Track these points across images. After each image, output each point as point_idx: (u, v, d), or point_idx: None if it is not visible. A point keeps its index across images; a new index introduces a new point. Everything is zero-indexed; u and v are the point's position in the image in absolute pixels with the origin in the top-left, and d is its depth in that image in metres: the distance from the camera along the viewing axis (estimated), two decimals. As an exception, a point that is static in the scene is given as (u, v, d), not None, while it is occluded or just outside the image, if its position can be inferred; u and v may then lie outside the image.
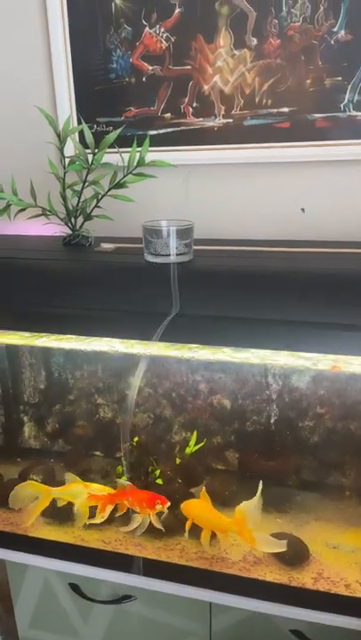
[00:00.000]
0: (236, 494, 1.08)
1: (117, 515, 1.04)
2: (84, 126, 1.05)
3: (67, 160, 1.07)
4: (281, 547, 0.91)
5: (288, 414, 1.14)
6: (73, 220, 1.13)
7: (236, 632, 1.06)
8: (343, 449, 1.13)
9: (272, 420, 1.16)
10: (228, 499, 1.08)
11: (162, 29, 1.13)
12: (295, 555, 0.99)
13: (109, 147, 1.06)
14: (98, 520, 1.02)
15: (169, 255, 0.94)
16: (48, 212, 1.11)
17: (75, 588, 1.13)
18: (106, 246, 1.10)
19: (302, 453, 1.16)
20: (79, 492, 1.03)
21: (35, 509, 1.05)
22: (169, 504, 0.99)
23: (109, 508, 1.03)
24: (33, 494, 1.04)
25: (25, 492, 1.04)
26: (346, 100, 1.08)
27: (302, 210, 1.17)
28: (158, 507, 0.99)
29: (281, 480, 1.14)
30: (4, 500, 1.18)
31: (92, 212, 1.11)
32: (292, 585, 0.95)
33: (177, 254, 0.94)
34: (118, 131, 1.05)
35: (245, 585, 0.96)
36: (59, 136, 1.06)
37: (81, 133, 1.08)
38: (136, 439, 1.15)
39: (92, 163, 1.04)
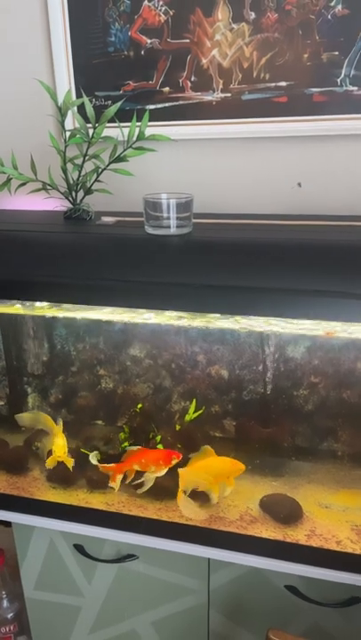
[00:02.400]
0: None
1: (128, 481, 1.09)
2: (85, 99, 1.06)
3: (67, 133, 1.09)
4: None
5: (284, 382, 1.19)
6: (73, 194, 1.14)
7: (234, 588, 1.12)
8: (336, 415, 1.18)
9: (268, 389, 1.21)
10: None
11: (160, 3, 1.14)
12: (290, 513, 1.05)
13: (109, 121, 1.08)
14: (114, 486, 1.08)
15: (169, 227, 0.97)
16: (48, 187, 1.13)
17: (79, 548, 1.18)
18: (106, 220, 1.12)
19: (297, 420, 1.20)
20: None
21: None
22: (180, 458, 1.05)
23: (120, 478, 1.08)
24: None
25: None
26: (343, 75, 1.10)
27: (299, 184, 1.20)
28: (175, 461, 1.04)
29: (276, 445, 1.18)
30: (11, 465, 1.24)
31: (92, 185, 1.12)
32: (286, 541, 1.01)
33: (177, 227, 0.97)
34: (119, 104, 1.06)
35: (242, 542, 1.02)
36: (60, 109, 1.07)
37: (81, 106, 1.09)
38: (140, 406, 1.20)
39: (92, 136, 1.06)
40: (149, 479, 1.07)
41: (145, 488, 1.08)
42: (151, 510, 1.10)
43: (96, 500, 1.13)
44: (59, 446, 1.12)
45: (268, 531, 1.03)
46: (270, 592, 1.08)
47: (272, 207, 1.19)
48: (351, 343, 1.09)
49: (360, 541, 1.00)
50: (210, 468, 1.05)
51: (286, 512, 1.05)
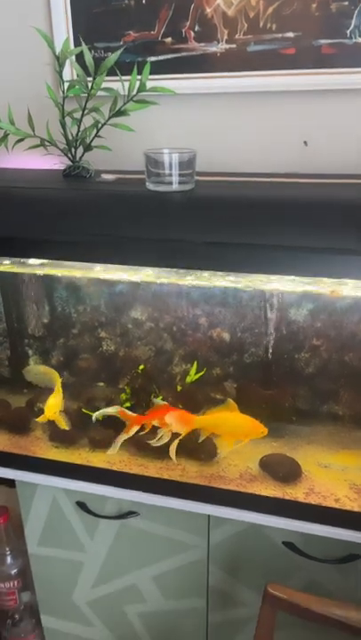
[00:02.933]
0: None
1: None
2: (84, 47, 1.02)
3: (66, 85, 1.05)
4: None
5: (283, 343, 1.18)
6: (73, 150, 1.11)
7: (233, 544, 1.14)
8: (337, 377, 1.18)
9: (269, 351, 1.20)
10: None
11: None
12: (289, 472, 1.06)
13: (110, 74, 1.04)
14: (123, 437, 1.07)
15: (171, 184, 0.95)
16: (47, 143, 1.10)
17: (81, 505, 1.20)
18: (107, 177, 1.09)
19: (298, 382, 1.21)
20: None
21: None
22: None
23: (134, 429, 1.07)
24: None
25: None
26: (352, 26, 1.05)
27: (305, 143, 1.16)
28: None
29: (277, 407, 1.19)
30: (14, 426, 1.25)
31: (92, 141, 1.09)
32: (285, 498, 1.02)
33: (179, 183, 0.95)
34: (119, 52, 1.02)
35: (242, 499, 1.03)
36: (57, 58, 1.03)
37: (80, 56, 1.04)
38: (142, 367, 1.20)
39: (91, 87, 1.02)
40: (166, 434, 1.05)
41: (160, 442, 1.06)
42: (152, 469, 1.11)
43: (98, 459, 1.15)
44: (49, 406, 1.12)
45: (268, 489, 1.05)
46: (269, 548, 1.10)
47: (278, 165, 1.16)
48: (354, 304, 1.08)
49: (358, 499, 1.01)
50: (229, 421, 1.03)
51: (285, 471, 1.06)
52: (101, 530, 1.24)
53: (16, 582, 1.47)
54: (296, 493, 1.04)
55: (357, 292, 0.99)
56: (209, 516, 1.11)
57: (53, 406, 1.12)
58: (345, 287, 0.94)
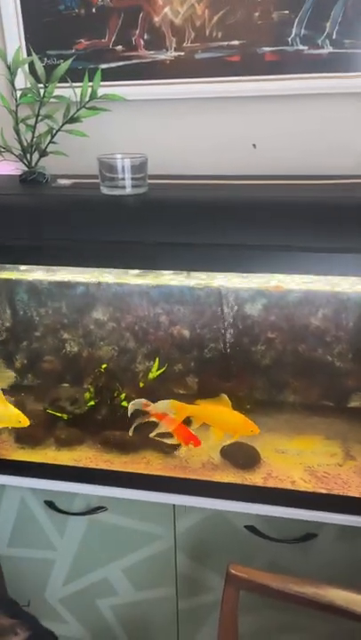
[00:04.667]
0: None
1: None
2: (35, 57, 1.05)
3: (18, 93, 1.07)
4: None
5: (237, 336, 1.24)
6: (28, 156, 1.14)
7: (198, 532, 1.19)
8: (291, 368, 1.25)
9: (227, 345, 1.26)
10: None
11: None
12: (248, 459, 1.12)
13: (61, 81, 1.07)
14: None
15: (124, 188, 0.98)
16: (2, 149, 1.11)
17: (50, 504, 1.22)
18: (63, 182, 1.12)
19: (255, 374, 1.26)
20: None
21: None
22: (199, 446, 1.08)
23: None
24: None
25: None
26: (293, 34, 1.11)
27: (254, 145, 1.22)
28: (190, 445, 1.09)
29: (236, 398, 1.24)
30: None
31: (47, 147, 1.12)
32: (244, 484, 1.08)
33: (132, 187, 0.98)
34: (69, 61, 1.05)
35: (204, 486, 1.08)
36: (9, 68, 1.05)
37: (32, 65, 1.07)
38: (104, 366, 1.23)
39: (44, 95, 1.05)
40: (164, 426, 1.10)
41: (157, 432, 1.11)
42: (117, 464, 1.15)
43: (64, 457, 1.18)
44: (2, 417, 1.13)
45: (229, 476, 1.10)
46: (232, 533, 1.16)
47: (227, 167, 1.21)
48: (303, 296, 1.14)
49: (312, 481, 1.08)
50: (221, 414, 1.08)
51: (245, 458, 1.11)
52: (71, 527, 1.26)
53: (-13, 585, 1.48)
54: (255, 479, 1.09)
55: (300, 286, 1.05)
56: (174, 505, 1.15)
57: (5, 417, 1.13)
58: (288, 282, 1.00)
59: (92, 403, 1.20)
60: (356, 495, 1.05)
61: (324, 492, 1.06)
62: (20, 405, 1.28)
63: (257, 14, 1.11)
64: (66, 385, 1.36)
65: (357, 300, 1.16)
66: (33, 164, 1.14)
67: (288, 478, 1.09)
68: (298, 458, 1.14)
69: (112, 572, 1.30)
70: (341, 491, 1.06)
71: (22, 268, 1.15)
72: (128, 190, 0.98)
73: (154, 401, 1.22)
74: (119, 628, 1.38)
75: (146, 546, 1.23)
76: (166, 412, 1.09)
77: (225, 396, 1.07)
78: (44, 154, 1.13)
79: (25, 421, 1.12)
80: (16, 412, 1.12)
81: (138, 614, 1.34)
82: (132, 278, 1.19)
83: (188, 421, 1.11)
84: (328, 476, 1.10)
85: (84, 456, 1.17)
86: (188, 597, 1.28)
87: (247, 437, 1.19)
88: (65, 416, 1.21)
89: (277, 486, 1.07)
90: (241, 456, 1.12)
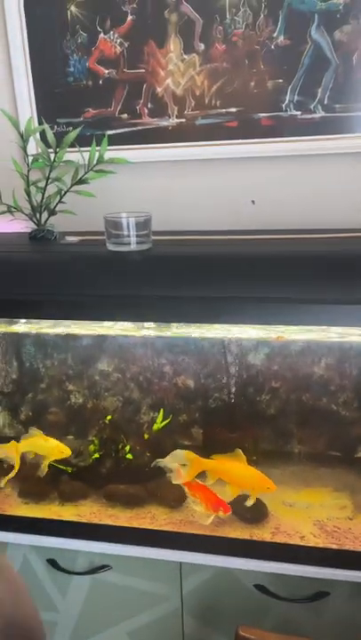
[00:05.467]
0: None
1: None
2: (46, 126, 1.12)
3: (30, 158, 1.14)
4: None
5: (242, 386, 1.24)
6: (38, 215, 1.19)
7: (205, 591, 1.15)
8: (298, 419, 1.24)
9: (232, 396, 1.26)
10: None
11: (116, 35, 1.21)
12: (255, 513, 1.09)
13: (71, 146, 1.13)
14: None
15: (130, 244, 1.02)
16: (13, 209, 1.17)
17: (52, 563, 1.19)
18: (70, 239, 1.17)
19: (261, 425, 1.26)
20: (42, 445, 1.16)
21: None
22: (229, 513, 1.06)
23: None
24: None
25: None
26: (287, 101, 1.19)
27: (253, 202, 1.28)
28: (220, 512, 1.06)
29: (243, 450, 1.23)
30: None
31: (55, 207, 1.17)
32: (252, 539, 1.05)
33: (137, 243, 1.03)
34: (78, 130, 1.12)
35: (211, 543, 1.06)
36: (21, 136, 1.12)
37: (43, 133, 1.14)
38: (109, 417, 1.23)
39: (54, 160, 1.11)
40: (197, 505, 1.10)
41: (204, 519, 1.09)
42: (122, 519, 1.13)
43: (68, 513, 1.16)
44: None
45: (236, 531, 1.08)
46: (241, 592, 1.12)
47: (227, 224, 1.26)
48: (306, 347, 1.16)
49: (322, 535, 1.05)
50: (236, 470, 1.06)
51: (252, 512, 1.09)
52: (74, 587, 1.22)
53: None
54: (263, 534, 1.07)
55: (303, 336, 1.07)
56: (180, 563, 1.12)
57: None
58: (292, 332, 1.02)
59: (97, 455, 1.20)
60: (368, 550, 1.02)
61: (335, 547, 1.03)
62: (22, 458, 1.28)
63: (253, 83, 1.19)
64: (70, 437, 1.36)
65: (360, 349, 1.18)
66: (42, 222, 1.20)
67: (297, 533, 1.06)
68: (306, 511, 1.11)
69: (117, 635, 1.24)
70: (353, 546, 1.03)
71: (30, 321, 1.18)
72: (133, 247, 1.02)
73: (159, 453, 1.22)
74: None
75: (152, 607, 1.19)
76: (180, 462, 1.07)
77: (240, 452, 1.06)
78: (53, 213, 1.18)
79: (67, 451, 1.15)
80: (56, 443, 1.16)
81: None
82: (136, 330, 1.22)
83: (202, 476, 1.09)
84: (338, 530, 1.07)
85: (89, 511, 1.15)
86: (196, 663, 1.22)
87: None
88: (69, 469, 1.20)
89: (286, 542, 1.04)
90: (248, 510, 1.10)
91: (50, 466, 1.21)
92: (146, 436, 1.22)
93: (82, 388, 1.34)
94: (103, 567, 1.17)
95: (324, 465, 1.24)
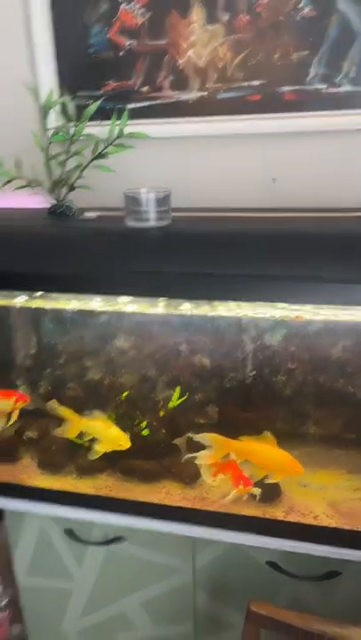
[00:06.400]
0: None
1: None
2: (66, 98, 1.11)
3: (50, 132, 1.13)
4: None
5: (258, 366, 1.24)
6: (57, 190, 1.19)
7: (218, 567, 1.17)
8: (315, 400, 1.24)
9: (248, 375, 1.26)
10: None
11: (137, 5, 1.18)
12: (269, 493, 1.10)
13: (91, 119, 1.12)
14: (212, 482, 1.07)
15: (148, 220, 1.02)
16: (33, 184, 1.17)
17: (69, 533, 1.22)
18: (89, 215, 1.16)
19: (277, 405, 1.26)
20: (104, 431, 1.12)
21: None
22: (250, 488, 1.04)
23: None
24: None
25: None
26: (312, 74, 1.15)
27: (273, 180, 1.25)
28: (241, 487, 1.04)
29: (258, 430, 1.23)
30: (1, 454, 1.28)
31: (75, 182, 1.17)
32: (265, 517, 1.06)
33: (156, 219, 1.02)
34: (98, 102, 1.11)
35: (225, 519, 1.07)
36: (42, 109, 1.11)
37: (63, 106, 1.13)
38: (126, 393, 1.24)
39: (74, 134, 1.10)
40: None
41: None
42: (137, 492, 1.14)
43: (85, 485, 1.18)
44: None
45: (249, 509, 1.08)
46: (253, 569, 1.13)
47: (248, 201, 1.24)
48: (324, 327, 1.14)
49: (335, 516, 1.05)
50: (265, 452, 1.04)
51: (266, 491, 1.09)
52: (89, 557, 1.25)
53: (6, 613, 1.46)
54: (276, 512, 1.07)
55: (322, 317, 1.05)
56: (193, 538, 1.13)
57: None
58: (310, 312, 1.00)
59: (146, 431, 1.21)
60: (382, 532, 1.02)
61: (348, 527, 1.03)
62: (42, 429, 1.31)
63: (277, 55, 1.15)
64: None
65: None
66: (62, 197, 1.19)
67: (311, 513, 1.06)
68: (321, 492, 1.11)
69: (130, 605, 1.28)
70: (366, 527, 1.03)
71: (49, 296, 1.18)
72: (152, 223, 1.01)
73: (175, 431, 1.23)
74: (137, 665, 1.34)
75: (164, 579, 1.22)
76: (206, 444, 1.06)
77: (269, 434, 1.04)
78: (72, 188, 1.18)
79: (126, 443, 1.11)
80: (118, 433, 1.12)
81: (156, 651, 1.31)
82: (154, 307, 1.21)
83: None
84: (352, 511, 1.07)
85: (104, 484, 1.17)
86: (207, 634, 1.25)
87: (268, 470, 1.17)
88: (86, 443, 1.22)
89: (300, 521, 1.04)
90: (262, 489, 1.10)
91: (67, 439, 1.23)
92: (161, 413, 1.23)
93: (98, 364, 1.35)
94: (118, 539, 1.19)
95: (339, 447, 1.23)
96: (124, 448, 1.11)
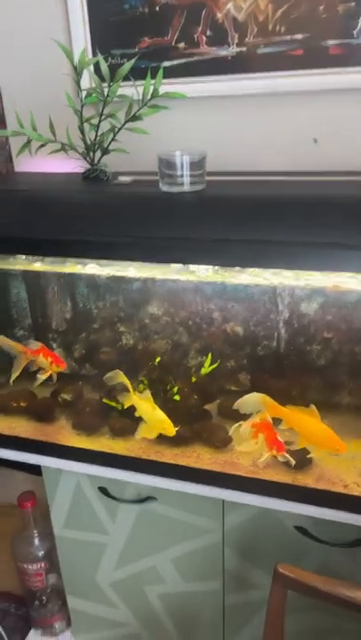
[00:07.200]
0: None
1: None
2: (100, 58, 1.08)
3: (83, 93, 1.11)
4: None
5: (293, 335, 1.22)
6: (91, 154, 1.17)
7: (247, 529, 1.19)
8: (346, 369, 1.22)
9: (281, 344, 1.24)
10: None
11: None
12: (300, 460, 1.10)
13: (125, 80, 1.09)
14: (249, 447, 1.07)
15: (183, 185, 1.00)
16: (67, 147, 1.16)
17: (103, 490, 1.27)
18: (123, 179, 1.15)
19: (308, 373, 1.24)
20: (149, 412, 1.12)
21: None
22: (283, 453, 1.03)
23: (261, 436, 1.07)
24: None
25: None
26: (359, 27, 1.08)
27: (315, 140, 1.20)
28: (273, 451, 1.04)
29: (290, 398, 1.23)
30: (38, 415, 1.32)
31: (109, 145, 1.15)
32: (295, 484, 1.06)
33: (190, 184, 1.00)
34: (133, 61, 1.08)
35: (254, 484, 1.08)
36: (75, 68, 1.09)
37: (97, 65, 1.10)
38: (158, 359, 1.25)
39: (107, 95, 1.08)
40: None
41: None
42: (168, 456, 1.17)
43: (118, 447, 1.21)
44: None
45: (279, 475, 1.09)
46: (281, 533, 1.15)
47: (287, 164, 1.20)
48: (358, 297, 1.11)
49: (366, 485, 1.05)
50: (309, 424, 1.04)
51: (297, 459, 1.10)
52: (122, 514, 1.30)
53: (43, 564, 1.55)
54: (306, 479, 1.08)
55: (357, 286, 1.02)
56: (223, 501, 1.16)
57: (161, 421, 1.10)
58: (349, 281, 0.97)
59: (177, 397, 1.22)
60: None
61: (378, 497, 1.03)
62: (76, 392, 1.34)
63: (322, 7, 1.08)
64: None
65: None
66: (96, 161, 1.18)
67: (341, 482, 1.06)
68: (352, 461, 1.11)
69: (161, 560, 1.33)
70: None
71: (81, 262, 1.19)
72: (186, 187, 0.99)
73: (206, 397, 1.24)
74: (166, 616, 1.41)
75: (195, 538, 1.25)
76: (254, 409, 1.05)
77: (314, 408, 1.04)
78: (106, 152, 1.16)
79: (171, 430, 1.09)
80: (163, 417, 1.10)
81: (185, 605, 1.37)
82: (187, 274, 1.21)
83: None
84: (383, 481, 1.06)
85: (137, 446, 1.20)
86: (234, 593, 1.29)
87: (299, 439, 1.17)
88: (120, 406, 1.25)
89: (329, 489, 1.05)
90: (292, 456, 1.11)
91: (102, 402, 1.26)
92: (193, 379, 1.24)
93: (131, 329, 1.36)
94: (150, 498, 1.23)
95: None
96: (168, 434, 1.10)
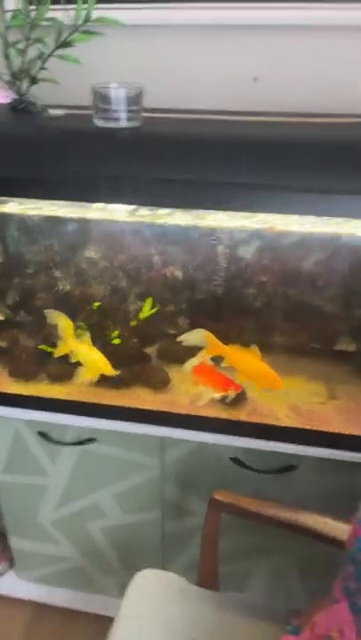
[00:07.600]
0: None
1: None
2: (25, -27, 0.98)
3: (9, 15, 1.01)
4: None
5: (231, 278, 1.25)
6: (18, 83, 1.09)
7: (185, 462, 1.25)
8: (281, 310, 1.27)
9: (218, 287, 1.27)
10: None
11: None
12: (234, 397, 1.16)
13: (54, 3, 1.01)
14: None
15: (118, 120, 0.96)
16: (-9, 75, 1.07)
17: (43, 435, 1.27)
18: (55, 112, 1.08)
19: (246, 316, 1.29)
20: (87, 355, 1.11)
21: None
22: (240, 391, 1.07)
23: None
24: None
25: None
26: None
27: (255, 79, 1.18)
28: (230, 392, 1.08)
29: (227, 339, 1.27)
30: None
31: (37, 73, 1.07)
32: (230, 419, 1.13)
33: (127, 119, 0.96)
34: (62, -20, 0.99)
35: (192, 421, 1.13)
36: (-2, -15, 0.99)
37: (22, -18, 1.00)
38: (97, 304, 1.24)
39: (35, 18, 0.99)
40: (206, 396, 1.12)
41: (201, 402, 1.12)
42: (109, 398, 1.19)
43: (57, 391, 1.21)
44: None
45: (216, 411, 1.15)
46: (217, 464, 1.22)
47: (228, 102, 1.18)
48: (297, 239, 1.15)
49: (296, 417, 1.13)
50: (250, 363, 1.07)
51: (232, 396, 1.15)
52: (63, 456, 1.32)
53: (-16, 509, 1.56)
54: (240, 414, 1.14)
55: (295, 228, 1.05)
56: (162, 438, 1.20)
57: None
58: (282, 222, 1.00)
59: (117, 341, 1.22)
60: (336, 431, 1.10)
61: (306, 427, 1.11)
62: (12, 340, 1.31)
63: None
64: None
65: (351, 244, 1.17)
66: (23, 91, 1.10)
67: (273, 415, 1.14)
68: (284, 397, 1.18)
69: (102, 497, 1.37)
70: (322, 427, 1.11)
71: (12, 202, 1.13)
72: (123, 123, 0.95)
73: (146, 341, 1.25)
74: (108, 547, 1.47)
75: (134, 474, 1.30)
76: (198, 343, 1.07)
77: (256, 348, 1.07)
78: (34, 81, 1.08)
79: (109, 371, 1.10)
80: (100, 359, 1.10)
81: (126, 536, 1.44)
82: (124, 216, 1.18)
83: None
84: (311, 413, 1.15)
85: (77, 390, 1.21)
86: (173, 521, 1.37)
87: (233, 377, 1.23)
88: (54, 352, 1.24)
89: (261, 421, 1.12)
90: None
91: (38, 348, 1.24)
92: (133, 323, 1.24)
93: (68, 274, 1.33)
94: (90, 440, 1.25)
95: (304, 356, 1.29)
96: (108, 374, 1.11)
